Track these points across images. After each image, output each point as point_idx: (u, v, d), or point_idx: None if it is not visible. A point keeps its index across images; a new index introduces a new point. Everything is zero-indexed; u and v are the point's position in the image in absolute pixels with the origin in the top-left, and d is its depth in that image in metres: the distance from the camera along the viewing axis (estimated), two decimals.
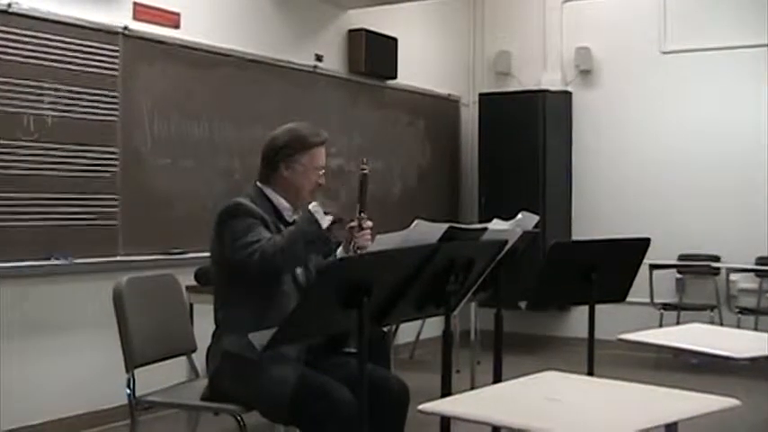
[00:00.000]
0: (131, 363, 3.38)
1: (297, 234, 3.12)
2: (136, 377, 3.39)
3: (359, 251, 3.25)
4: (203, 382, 3.43)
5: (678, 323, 6.99)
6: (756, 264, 7.42)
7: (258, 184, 3.41)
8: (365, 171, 3.47)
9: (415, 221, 2.87)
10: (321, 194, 3.50)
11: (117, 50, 5.31)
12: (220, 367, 3.25)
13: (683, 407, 2.47)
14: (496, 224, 3.59)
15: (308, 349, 3.28)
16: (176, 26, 5.77)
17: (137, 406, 3.40)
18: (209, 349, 3.37)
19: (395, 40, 7.53)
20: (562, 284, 3.67)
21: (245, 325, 3.08)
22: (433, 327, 6.83)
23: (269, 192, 3.38)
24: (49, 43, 4.95)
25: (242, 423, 3.28)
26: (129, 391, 3.38)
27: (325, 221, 3.12)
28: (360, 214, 3.38)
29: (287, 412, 3.15)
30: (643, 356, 7.14)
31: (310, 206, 3.17)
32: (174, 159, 5.69)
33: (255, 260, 3.07)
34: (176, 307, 3.77)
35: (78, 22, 5.10)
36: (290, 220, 3.38)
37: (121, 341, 3.38)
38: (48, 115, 4.93)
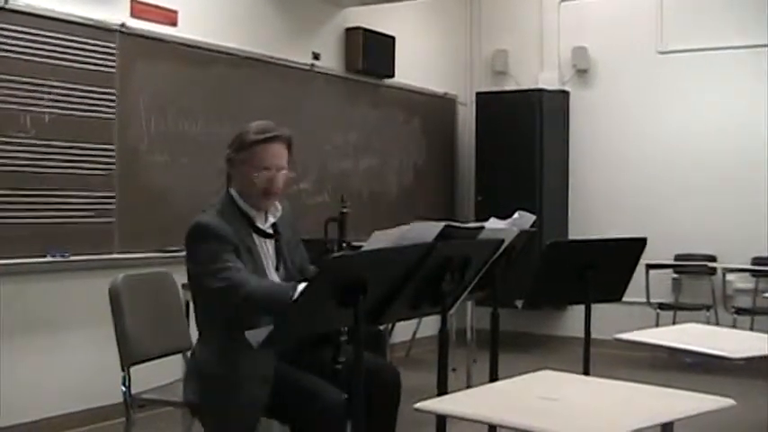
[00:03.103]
0: (127, 360, 3.38)
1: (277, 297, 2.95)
2: (132, 375, 3.39)
3: None
4: None
5: (674, 323, 7.00)
6: (752, 264, 7.43)
7: (229, 188, 3.26)
8: (345, 211, 3.53)
9: (412, 222, 2.87)
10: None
11: (114, 48, 5.31)
12: (194, 386, 3.21)
13: (678, 406, 2.47)
14: (493, 223, 3.59)
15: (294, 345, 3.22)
16: (174, 24, 5.76)
17: (132, 404, 3.39)
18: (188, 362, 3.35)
19: (392, 38, 7.53)
20: (558, 284, 3.67)
21: (218, 340, 3.11)
22: (429, 325, 6.82)
23: (236, 196, 3.22)
24: (47, 40, 4.94)
25: None
26: (124, 388, 3.38)
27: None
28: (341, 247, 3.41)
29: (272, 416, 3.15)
30: (639, 356, 7.14)
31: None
32: (171, 157, 5.68)
33: (235, 292, 2.93)
34: (172, 305, 3.77)
35: (76, 19, 5.09)
36: (262, 226, 3.23)
37: (117, 338, 3.37)
38: (45, 112, 4.93)
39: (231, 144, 3.23)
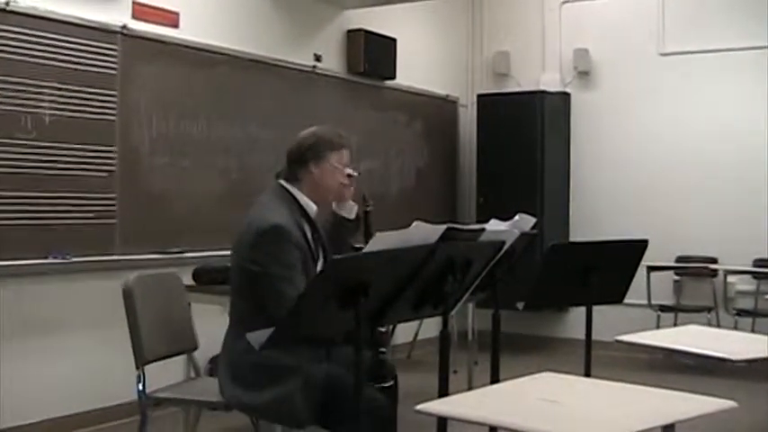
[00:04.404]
0: (141, 360, 3.37)
1: None
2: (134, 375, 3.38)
3: None
4: (207, 380, 3.42)
5: (675, 325, 7.00)
6: (754, 265, 7.42)
7: (283, 182, 3.41)
8: (369, 209, 3.64)
9: (414, 223, 2.87)
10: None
11: (116, 49, 5.31)
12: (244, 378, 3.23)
13: (679, 408, 2.47)
14: (494, 225, 3.59)
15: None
16: (175, 25, 5.77)
17: (147, 403, 3.38)
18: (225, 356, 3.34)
19: (393, 40, 7.54)
20: (560, 285, 3.67)
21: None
22: (430, 327, 6.83)
23: (295, 191, 3.39)
24: (48, 42, 4.94)
25: (255, 422, 3.27)
26: (140, 387, 3.37)
27: None
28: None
29: (316, 416, 3.18)
30: (640, 358, 7.14)
31: None
32: (172, 158, 5.68)
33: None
34: (180, 305, 3.77)
35: (77, 21, 5.09)
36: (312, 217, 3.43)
37: (131, 338, 3.36)
38: (46, 114, 4.93)
39: (317, 143, 3.40)
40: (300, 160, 3.39)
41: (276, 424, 3.30)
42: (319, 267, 3.38)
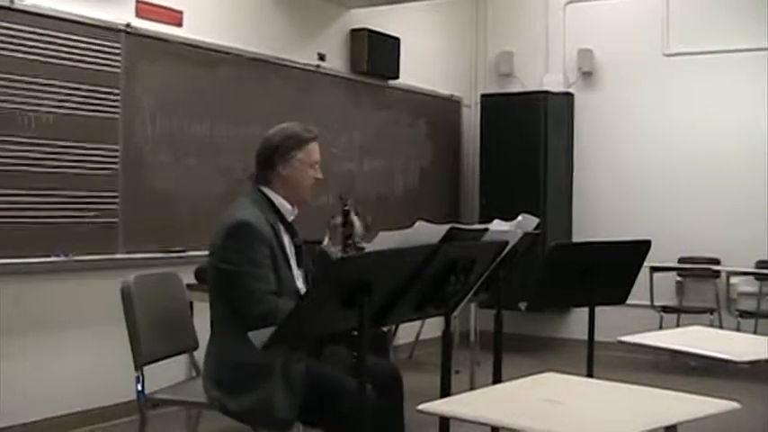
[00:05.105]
0: (140, 360, 3.35)
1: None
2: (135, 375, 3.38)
3: None
4: None
5: (678, 326, 6.99)
6: (756, 267, 7.41)
7: (258, 186, 3.40)
8: (347, 208, 3.63)
9: (417, 223, 2.87)
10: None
11: (119, 48, 5.31)
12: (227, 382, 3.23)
13: (682, 409, 2.47)
14: (497, 225, 3.59)
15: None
16: (179, 24, 5.77)
17: (146, 404, 3.38)
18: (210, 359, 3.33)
19: (397, 39, 7.53)
20: (562, 286, 3.67)
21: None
22: (432, 327, 6.82)
23: (270, 193, 3.37)
24: (52, 40, 4.95)
25: None
26: (139, 388, 3.36)
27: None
28: (348, 240, 3.51)
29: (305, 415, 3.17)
30: (642, 359, 7.13)
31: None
32: (176, 157, 5.68)
33: (271, 320, 2.88)
34: (180, 305, 3.76)
35: (81, 19, 5.10)
36: (290, 220, 3.40)
37: (130, 339, 3.35)
38: (49, 112, 4.93)
39: (282, 143, 3.36)
40: (268, 163, 3.37)
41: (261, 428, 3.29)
42: (296, 272, 3.35)
